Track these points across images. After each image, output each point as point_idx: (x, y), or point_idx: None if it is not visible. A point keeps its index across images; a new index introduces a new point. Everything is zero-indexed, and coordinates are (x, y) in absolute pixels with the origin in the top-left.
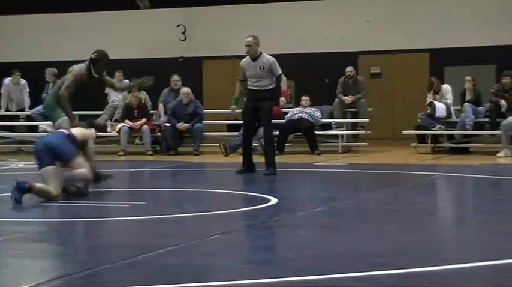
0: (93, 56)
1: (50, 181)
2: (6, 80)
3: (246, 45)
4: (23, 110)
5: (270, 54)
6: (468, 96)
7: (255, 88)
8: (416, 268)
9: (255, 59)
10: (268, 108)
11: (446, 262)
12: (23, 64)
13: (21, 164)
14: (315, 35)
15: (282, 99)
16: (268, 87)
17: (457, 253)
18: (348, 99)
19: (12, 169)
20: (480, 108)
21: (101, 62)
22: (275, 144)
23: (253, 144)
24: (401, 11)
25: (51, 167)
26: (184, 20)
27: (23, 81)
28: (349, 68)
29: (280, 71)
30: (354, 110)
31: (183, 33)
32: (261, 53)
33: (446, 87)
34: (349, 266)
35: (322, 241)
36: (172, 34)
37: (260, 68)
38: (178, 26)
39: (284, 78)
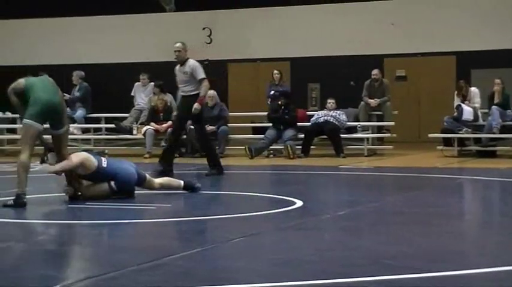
0: None
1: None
2: None
3: (175, 51)
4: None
5: (296, 57)
6: (496, 99)
7: (183, 93)
8: (437, 272)
9: (182, 64)
10: (196, 112)
11: (467, 266)
12: (49, 67)
13: (40, 167)
14: (340, 38)
15: (196, 105)
16: (193, 93)
17: (478, 257)
18: (373, 102)
19: (38, 172)
20: (508, 111)
21: None
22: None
23: (278, 147)
24: (426, 13)
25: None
26: (210, 23)
27: None
28: (374, 71)
29: (202, 76)
30: (380, 113)
31: (209, 36)
32: (187, 59)
33: (474, 90)
34: (371, 270)
35: (345, 244)
36: (197, 37)
37: (184, 73)
38: (203, 29)
39: (205, 83)
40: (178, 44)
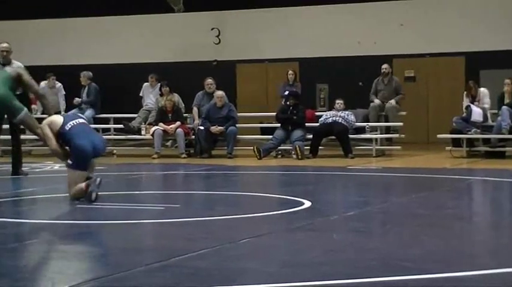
0: None
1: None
2: (42, 84)
3: (4, 51)
4: (58, 113)
5: (305, 58)
6: (506, 100)
7: None
8: (446, 273)
9: (8, 64)
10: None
11: (477, 267)
12: (58, 67)
13: (56, 167)
14: (348, 39)
15: (34, 106)
16: (18, 92)
17: (488, 258)
18: (392, 102)
19: (47, 171)
20: None
21: None
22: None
23: (286, 147)
24: (435, 14)
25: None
26: (218, 24)
27: (58, 85)
28: (384, 65)
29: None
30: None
31: (217, 36)
32: (11, 59)
33: (483, 91)
34: (380, 271)
35: (354, 245)
36: (206, 37)
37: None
38: (212, 29)
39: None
40: (6, 45)
